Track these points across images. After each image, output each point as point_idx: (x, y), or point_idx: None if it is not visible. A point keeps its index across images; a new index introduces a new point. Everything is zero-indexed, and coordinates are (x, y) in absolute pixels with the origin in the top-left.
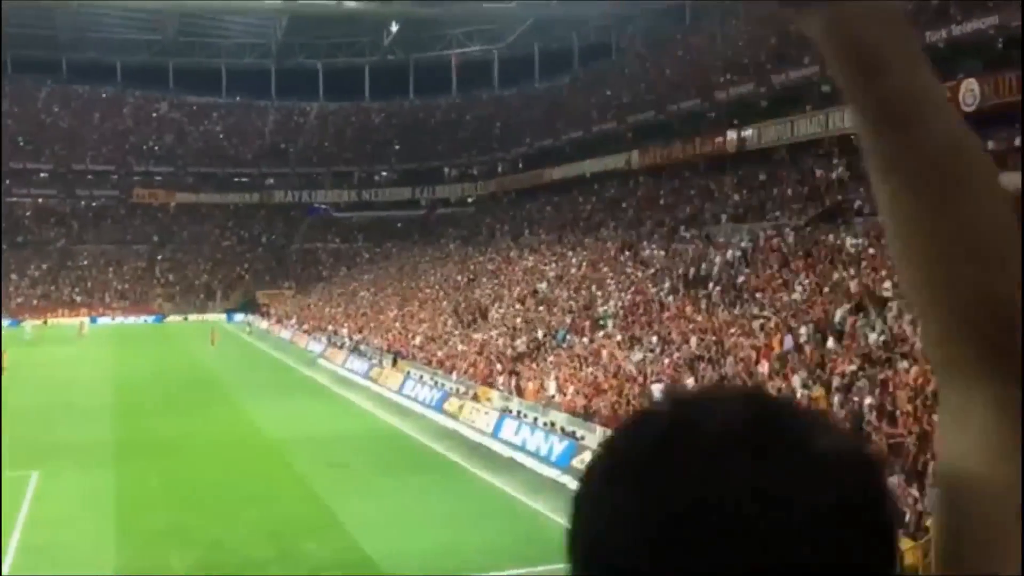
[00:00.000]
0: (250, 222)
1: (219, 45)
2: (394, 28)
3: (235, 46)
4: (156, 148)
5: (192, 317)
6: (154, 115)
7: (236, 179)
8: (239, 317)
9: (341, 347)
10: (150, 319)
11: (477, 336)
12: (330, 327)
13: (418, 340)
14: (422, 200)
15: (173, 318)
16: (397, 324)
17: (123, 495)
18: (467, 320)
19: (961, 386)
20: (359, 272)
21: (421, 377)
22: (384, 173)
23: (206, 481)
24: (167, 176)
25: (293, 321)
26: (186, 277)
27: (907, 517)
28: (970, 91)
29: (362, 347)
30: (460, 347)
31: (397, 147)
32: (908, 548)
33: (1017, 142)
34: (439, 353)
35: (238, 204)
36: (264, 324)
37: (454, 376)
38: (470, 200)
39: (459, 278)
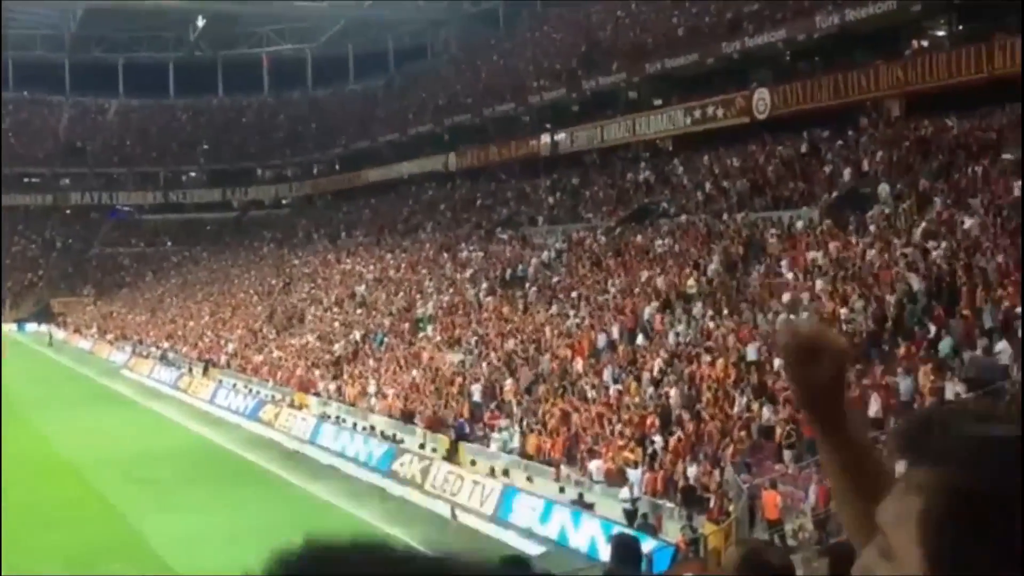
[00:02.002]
0: (43, 225)
1: (4, 35)
2: (200, 23)
3: (23, 37)
4: None
5: None
6: None
7: (27, 179)
8: (32, 327)
9: (147, 356)
10: None
11: (294, 341)
12: (135, 336)
13: (231, 347)
14: (234, 202)
15: None
16: (208, 331)
17: None
18: (283, 325)
19: None
20: (166, 277)
21: (235, 385)
22: (192, 174)
23: None
24: None
25: (93, 330)
26: None
27: (711, 503)
28: (761, 100)
29: (170, 356)
30: (276, 353)
31: (206, 147)
32: (711, 532)
33: (804, 148)
34: (254, 360)
35: (30, 206)
36: (61, 334)
37: (270, 383)
38: (284, 202)
39: (274, 282)
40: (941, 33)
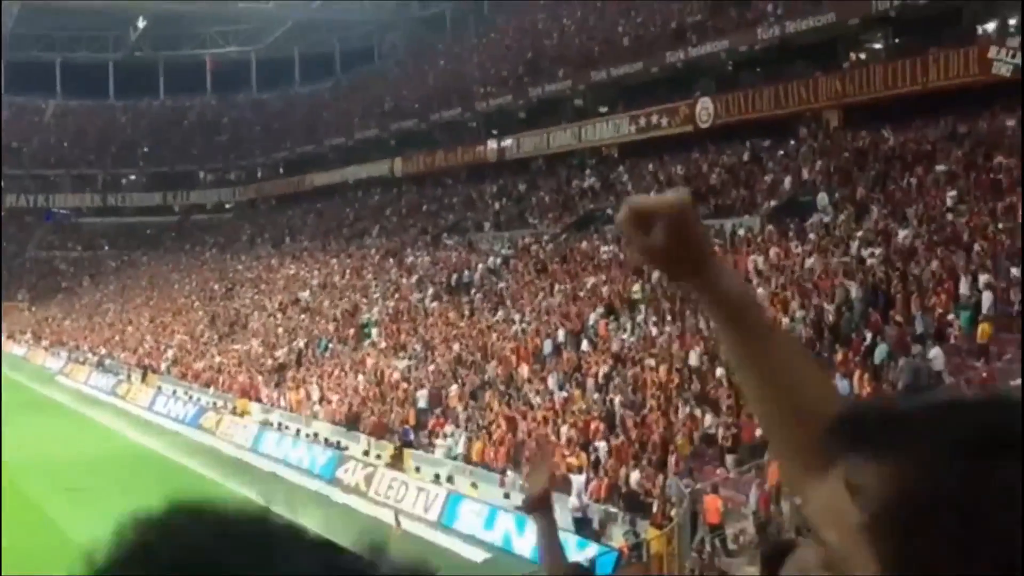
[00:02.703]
0: None
1: None
2: (141, 24)
3: None
4: None
5: None
6: None
7: None
8: None
9: (84, 363)
10: None
11: (236, 347)
12: (71, 342)
13: (171, 353)
14: (175, 206)
15: None
16: (148, 337)
17: None
18: (225, 331)
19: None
20: (104, 282)
21: (174, 392)
22: (132, 177)
23: None
24: None
25: (28, 336)
26: None
27: (654, 508)
28: (704, 109)
29: (107, 362)
30: (218, 359)
31: (146, 149)
32: (653, 537)
33: (746, 157)
34: (195, 366)
35: None
36: None
37: (211, 390)
38: (227, 206)
39: (216, 287)
40: (878, 46)
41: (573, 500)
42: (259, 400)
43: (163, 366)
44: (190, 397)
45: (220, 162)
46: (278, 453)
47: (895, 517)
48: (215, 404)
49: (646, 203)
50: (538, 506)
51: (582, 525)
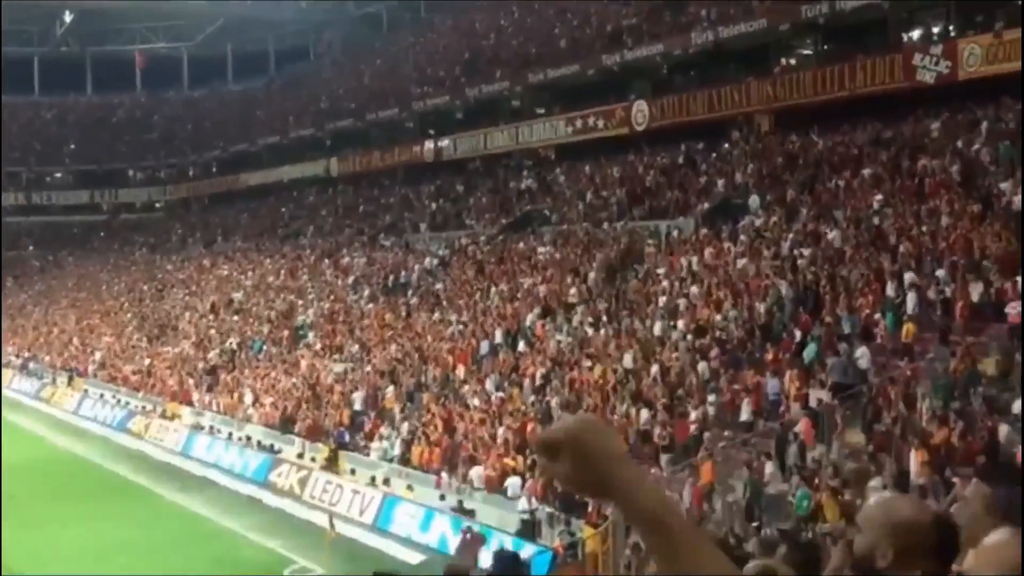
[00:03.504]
0: None
1: None
2: (68, 18)
3: None
4: None
5: None
6: None
7: None
8: None
9: (6, 366)
10: None
11: (167, 350)
12: None
13: (99, 356)
14: (103, 204)
15: None
16: (75, 339)
17: None
18: (155, 333)
19: None
20: (29, 283)
21: (102, 396)
22: (58, 175)
23: None
24: None
25: None
26: None
27: (589, 507)
28: (640, 112)
29: (31, 366)
30: (148, 362)
31: (73, 146)
32: (589, 536)
33: (680, 159)
34: (124, 369)
35: None
36: None
37: (140, 393)
38: (158, 205)
39: (146, 288)
40: (807, 52)
41: (523, 503)
42: (190, 403)
43: (90, 369)
44: (118, 401)
45: (150, 160)
46: (210, 457)
47: None
48: (144, 408)
49: (552, 434)
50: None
51: (528, 528)
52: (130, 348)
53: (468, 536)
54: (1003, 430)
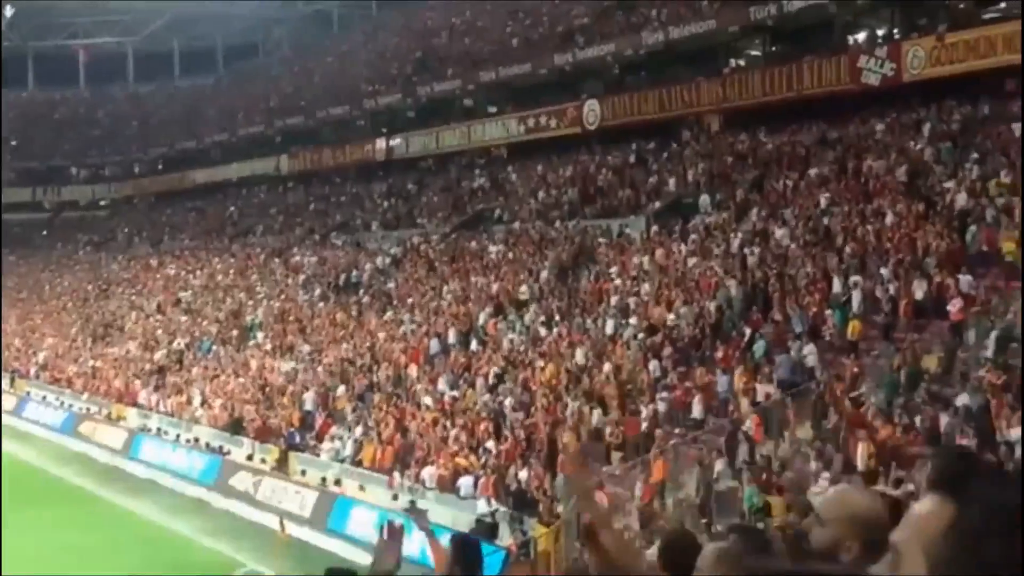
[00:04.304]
0: None
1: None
2: (8, 12)
3: None
4: None
5: None
6: None
7: None
8: None
9: None
10: None
11: (112, 350)
12: None
13: (42, 357)
14: (45, 202)
15: None
16: (16, 340)
17: None
18: (100, 333)
19: None
20: None
21: (44, 398)
22: None
23: None
24: None
25: None
26: None
27: (539, 506)
28: (592, 111)
29: None
30: (92, 363)
31: (14, 143)
32: (541, 534)
33: (632, 159)
34: (68, 370)
35: None
36: None
37: (85, 395)
38: (102, 203)
39: (90, 288)
40: (756, 53)
41: (482, 505)
42: (136, 405)
43: (32, 371)
44: (62, 403)
45: (95, 157)
46: (157, 459)
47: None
48: (89, 410)
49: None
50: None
51: (483, 528)
52: (74, 349)
53: (387, 533)
54: (944, 422)
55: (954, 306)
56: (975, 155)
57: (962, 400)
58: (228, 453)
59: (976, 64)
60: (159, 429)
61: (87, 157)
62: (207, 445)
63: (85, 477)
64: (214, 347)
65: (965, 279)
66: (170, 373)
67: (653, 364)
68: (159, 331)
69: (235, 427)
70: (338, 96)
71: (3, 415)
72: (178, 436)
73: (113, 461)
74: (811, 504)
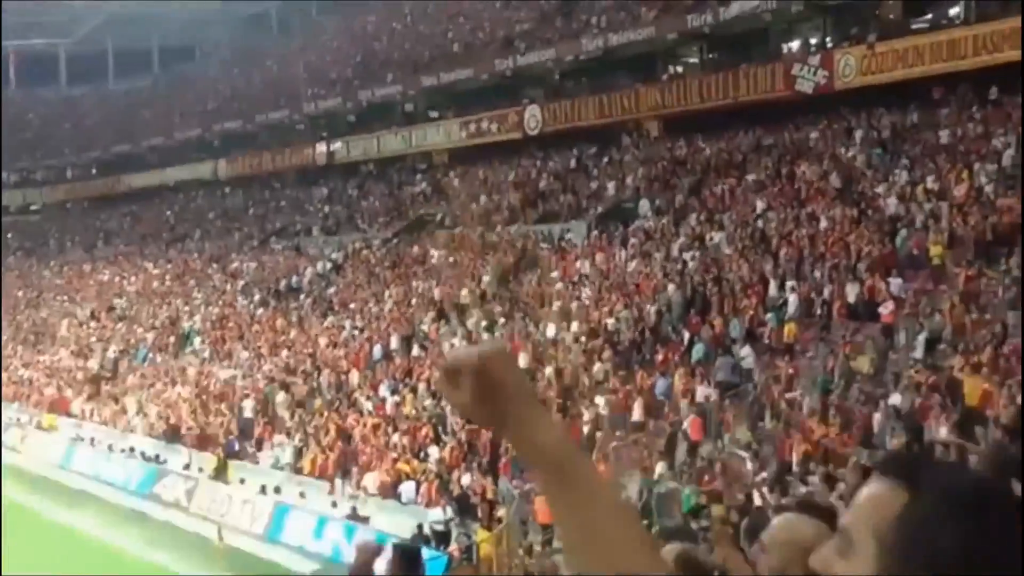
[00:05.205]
0: None
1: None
2: None
3: None
4: None
5: None
6: None
7: None
8: None
9: None
10: None
11: (43, 358)
12: None
13: None
14: None
15: None
16: None
17: None
18: (31, 341)
19: None
20: None
21: None
22: None
23: None
24: None
25: None
26: None
27: (479, 511)
28: (533, 116)
29: None
30: (22, 372)
31: None
32: (483, 539)
33: (572, 164)
34: None
35: None
36: None
37: (15, 405)
38: (34, 208)
39: (20, 294)
40: (694, 60)
41: (437, 513)
42: (69, 414)
43: None
44: None
45: (25, 161)
46: (90, 470)
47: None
48: (19, 420)
49: (455, 359)
50: None
51: (445, 539)
52: (4, 358)
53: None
54: (877, 421)
55: (885, 308)
56: (904, 161)
57: (894, 400)
58: (165, 462)
59: (905, 72)
60: (93, 439)
61: (18, 161)
62: (143, 455)
63: (16, 489)
64: (150, 355)
65: (895, 282)
66: (104, 382)
67: (595, 367)
68: (93, 338)
69: (172, 436)
70: (277, 100)
71: None
72: (111, 446)
73: (45, 472)
74: (750, 498)
